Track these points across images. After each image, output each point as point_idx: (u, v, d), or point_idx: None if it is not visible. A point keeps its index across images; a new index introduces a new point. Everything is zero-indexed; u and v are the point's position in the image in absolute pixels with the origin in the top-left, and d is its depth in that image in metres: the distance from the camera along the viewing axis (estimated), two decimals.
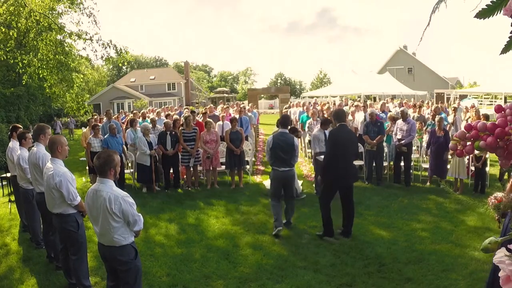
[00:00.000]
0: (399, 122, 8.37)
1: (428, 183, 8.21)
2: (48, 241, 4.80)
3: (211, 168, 8.57)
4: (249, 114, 12.58)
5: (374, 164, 8.42)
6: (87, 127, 10.22)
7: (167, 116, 10.74)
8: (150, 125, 8.98)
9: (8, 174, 7.32)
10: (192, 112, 11.13)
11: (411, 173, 8.50)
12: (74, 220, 3.93)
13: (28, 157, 4.70)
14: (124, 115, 15.42)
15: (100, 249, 3.30)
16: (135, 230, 3.22)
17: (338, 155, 5.29)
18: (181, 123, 8.96)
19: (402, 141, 8.13)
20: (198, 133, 8.51)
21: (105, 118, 10.55)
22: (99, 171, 3.16)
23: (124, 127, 10.71)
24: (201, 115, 10.28)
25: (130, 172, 9.30)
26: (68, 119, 27.06)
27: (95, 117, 12.20)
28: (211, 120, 9.04)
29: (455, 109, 10.79)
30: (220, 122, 10.13)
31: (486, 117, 9.57)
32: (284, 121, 5.74)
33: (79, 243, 3.98)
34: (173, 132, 8.45)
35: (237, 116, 9.84)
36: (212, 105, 15.51)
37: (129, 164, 9.36)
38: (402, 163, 8.39)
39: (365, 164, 8.66)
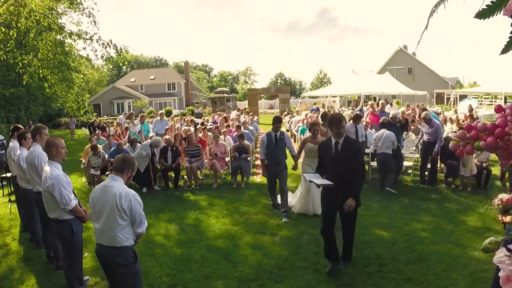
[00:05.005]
0: (424, 125, 8.10)
1: (442, 185, 8.11)
2: (47, 241, 4.80)
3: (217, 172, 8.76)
4: (250, 127, 12.34)
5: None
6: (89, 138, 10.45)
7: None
8: (161, 140, 8.95)
9: (8, 174, 7.34)
10: (195, 125, 11.31)
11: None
12: (68, 226, 3.82)
13: (25, 157, 4.73)
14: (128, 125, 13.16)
15: (98, 250, 3.20)
16: (139, 231, 3.18)
17: (326, 170, 4.46)
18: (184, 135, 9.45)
19: (435, 149, 7.80)
20: (201, 150, 8.85)
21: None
22: (117, 167, 3.17)
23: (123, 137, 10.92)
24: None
25: None
26: (69, 119, 27.04)
27: (97, 132, 12.19)
28: (218, 134, 9.55)
29: (456, 111, 10.81)
30: (223, 137, 9.93)
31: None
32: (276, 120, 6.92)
33: (72, 249, 3.90)
34: (174, 148, 8.79)
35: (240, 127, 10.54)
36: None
37: None
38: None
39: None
